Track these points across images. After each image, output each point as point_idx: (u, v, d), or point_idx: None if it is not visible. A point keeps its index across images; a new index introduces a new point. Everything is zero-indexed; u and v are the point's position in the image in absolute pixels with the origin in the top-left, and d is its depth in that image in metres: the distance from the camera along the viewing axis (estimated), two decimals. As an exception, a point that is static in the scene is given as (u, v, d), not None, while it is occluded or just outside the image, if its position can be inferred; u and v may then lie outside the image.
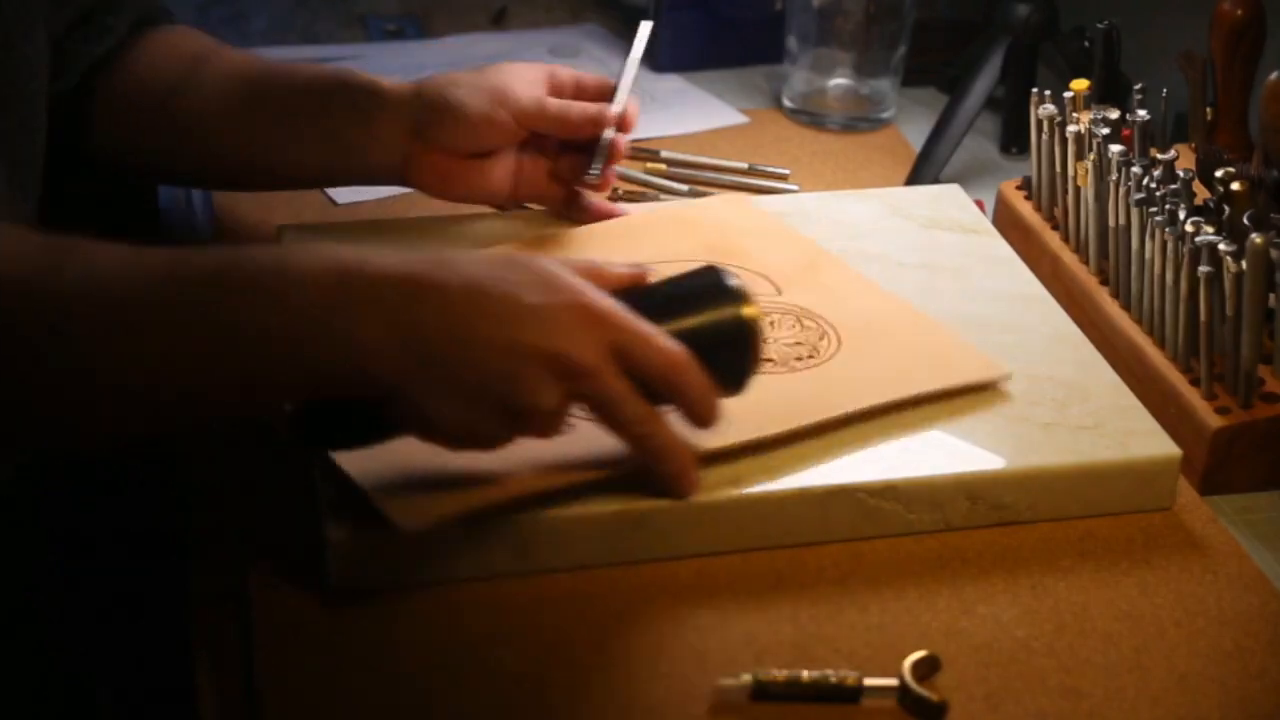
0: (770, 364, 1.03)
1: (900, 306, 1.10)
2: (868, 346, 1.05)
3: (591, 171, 1.15)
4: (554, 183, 1.18)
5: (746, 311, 0.92)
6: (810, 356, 1.04)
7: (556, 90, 1.16)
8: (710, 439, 0.94)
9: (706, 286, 0.93)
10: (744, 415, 0.96)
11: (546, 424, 0.87)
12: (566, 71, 1.17)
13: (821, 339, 1.06)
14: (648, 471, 0.92)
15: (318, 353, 0.83)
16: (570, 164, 1.17)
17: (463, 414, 0.85)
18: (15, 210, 0.96)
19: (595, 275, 0.90)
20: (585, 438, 0.92)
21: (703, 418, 0.91)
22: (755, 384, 0.95)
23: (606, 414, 0.88)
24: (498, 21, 1.65)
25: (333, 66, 1.22)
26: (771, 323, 1.07)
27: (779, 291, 1.11)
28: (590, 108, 1.15)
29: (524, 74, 1.15)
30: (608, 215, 1.19)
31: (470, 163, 1.14)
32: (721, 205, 1.23)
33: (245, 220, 1.25)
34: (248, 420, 0.99)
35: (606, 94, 1.17)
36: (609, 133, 1.15)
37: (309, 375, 0.84)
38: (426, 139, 1.13)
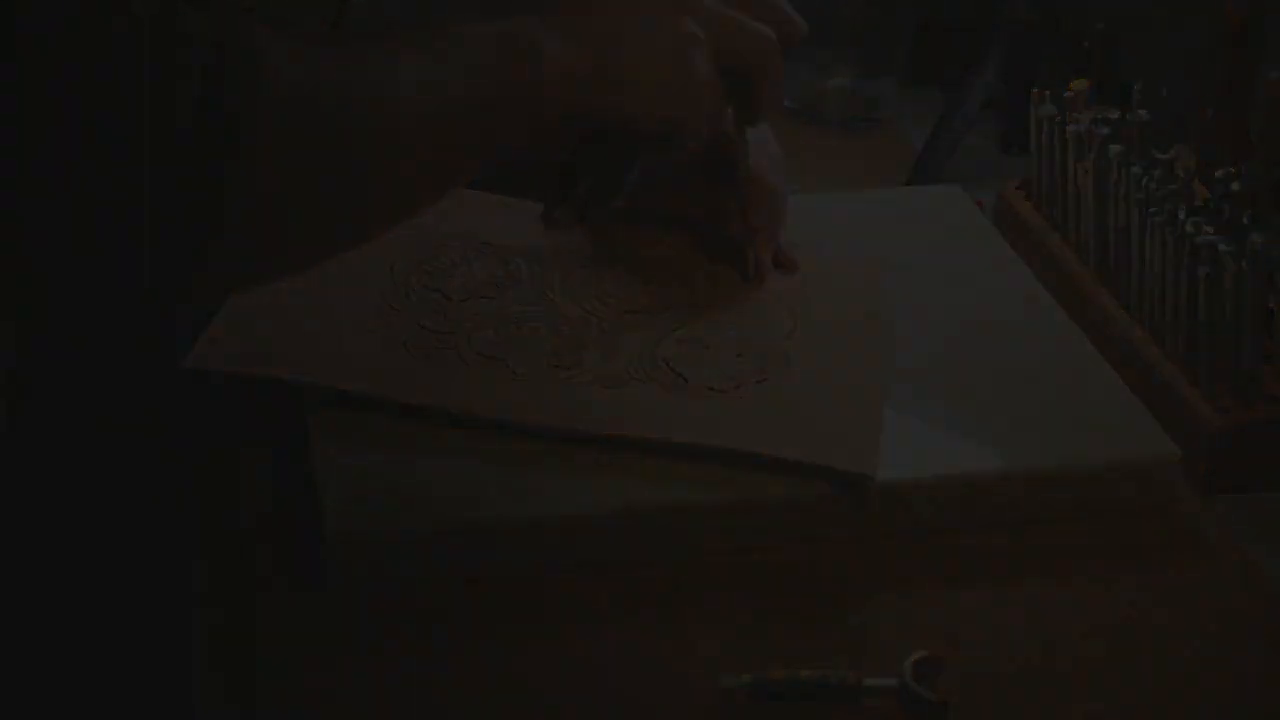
0: (713, 393, 1.01)
1: (870, 387, 1.03)
2: (780, 399, 1.01)
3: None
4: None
5: None
6: (737, 388, 1.01)
7: None
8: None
9: None
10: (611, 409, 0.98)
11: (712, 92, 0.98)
12: None
13: (760, 383, 1.02)
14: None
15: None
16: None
17: (656, 99, 0.96)
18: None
19: None
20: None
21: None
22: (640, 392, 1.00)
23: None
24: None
25: None
26: (739, 355, 1.04)
27: (794, 328, 1.08)
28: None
29: None
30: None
31: None
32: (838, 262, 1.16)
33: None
34: (246, 419, 1.00)
35: None
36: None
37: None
38: None
